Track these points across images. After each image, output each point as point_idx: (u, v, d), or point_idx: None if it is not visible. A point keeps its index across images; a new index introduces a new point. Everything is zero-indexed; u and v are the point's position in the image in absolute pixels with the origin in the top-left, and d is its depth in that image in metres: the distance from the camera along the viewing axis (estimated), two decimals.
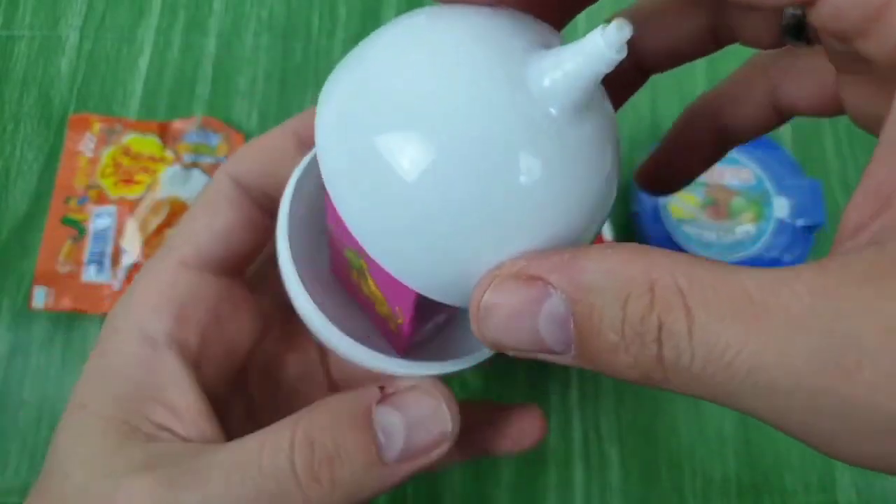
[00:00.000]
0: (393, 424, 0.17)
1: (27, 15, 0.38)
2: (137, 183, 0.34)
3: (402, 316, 0.19)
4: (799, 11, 0.17)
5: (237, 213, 0.22)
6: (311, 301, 0.20)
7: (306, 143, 0.22)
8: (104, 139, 0.35)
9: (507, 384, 0.33)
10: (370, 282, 0.20)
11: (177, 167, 0.34)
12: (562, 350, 0.14)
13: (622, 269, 0.13)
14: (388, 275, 0.16)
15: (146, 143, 0.35)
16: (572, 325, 0.13)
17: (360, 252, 0.18)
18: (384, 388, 0.18)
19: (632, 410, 0.33)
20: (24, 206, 0.34)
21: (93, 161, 0.35)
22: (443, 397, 0.18)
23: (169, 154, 0.35)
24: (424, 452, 0.18)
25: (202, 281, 0.21)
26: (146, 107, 0.37)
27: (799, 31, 0.18)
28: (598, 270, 0.13)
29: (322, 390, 0.26)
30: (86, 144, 0.35)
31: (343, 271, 0.22)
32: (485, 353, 0.21)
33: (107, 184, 0.34)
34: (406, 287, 0.16)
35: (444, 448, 0.18)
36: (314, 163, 0.22)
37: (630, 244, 0.14)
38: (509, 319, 0.14)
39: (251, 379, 0.23)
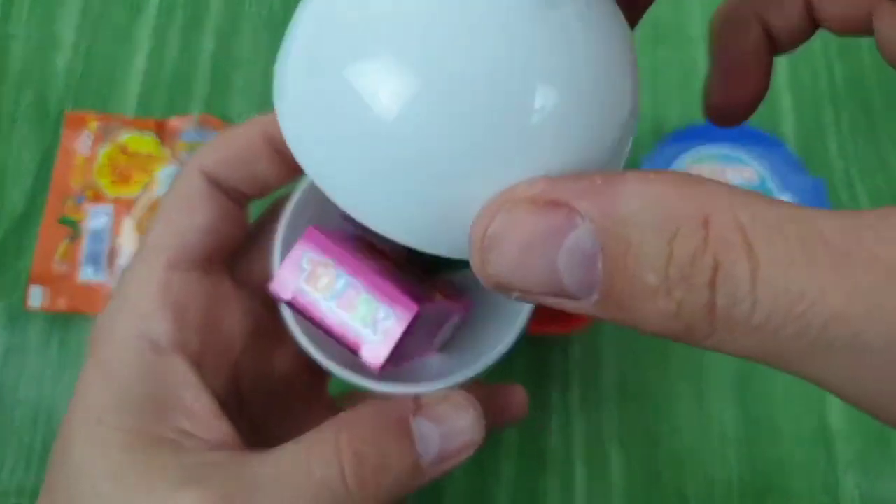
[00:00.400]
0: (429, 434, 0.19)
1: (24, 13, 0.38)
2: (134, 182, 0.34)
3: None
4: None
5: (214, 208, 0.21)
6: (321, 353, 0.20)
7: (274, 139, 0.22)
8: (101, 137, 0.35)
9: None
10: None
11: (174, 166, 0.34)
12: (582, 294, 0.12)
13: (669, 198, 0.11)
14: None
15: (143, 142, 0.35)
16: (600, 264, 0.11)
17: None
18: (418, 399, 0.20)
19: (633, 411, 0.33)
20: (21, 205, 0.34)
21: (89, 159, 0.34)
22: (472, 407, 0.19)
23: (166, 152, 0.35)
24: (455, 456, 0.19)
25: (192, 280, 0.21)
26: (143, 105, 0.37)
27: None
28: (639, 198, 0.11)
29: (306, 381, 0.26)
30: (82, 142, 0.35)
31: None
32: (493, 356, 0.21)
33: (103, 183, 0.34)
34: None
35: (471, 451, 0.19)
36: (301, 206, 0.22)
37: (675, 171, 0.12)
38: (521, 252, 0.12)
39: (241, 374, 0.23)
